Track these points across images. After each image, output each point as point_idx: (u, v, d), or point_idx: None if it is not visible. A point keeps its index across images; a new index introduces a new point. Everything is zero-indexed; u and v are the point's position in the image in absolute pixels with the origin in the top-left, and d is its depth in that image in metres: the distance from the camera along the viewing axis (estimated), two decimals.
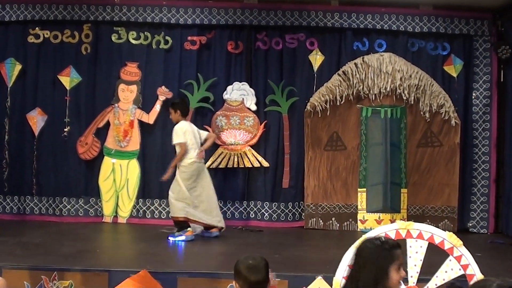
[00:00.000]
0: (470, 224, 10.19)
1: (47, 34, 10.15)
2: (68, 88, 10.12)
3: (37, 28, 10.16)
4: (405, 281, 5.49)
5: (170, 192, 8.58)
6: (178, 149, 8.56)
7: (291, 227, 10.07)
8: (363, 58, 9.98)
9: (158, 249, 7.82)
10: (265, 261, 3.61)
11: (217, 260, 7.10)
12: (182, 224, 8.45)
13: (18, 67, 10.09)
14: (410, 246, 5.51)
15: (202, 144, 8.81)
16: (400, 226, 5.71)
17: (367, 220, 9.90)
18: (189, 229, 8.43)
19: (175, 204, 8.48)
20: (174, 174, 8.64)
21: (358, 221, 9.94)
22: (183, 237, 8.34)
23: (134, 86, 10.19)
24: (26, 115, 10.08)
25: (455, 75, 10.31)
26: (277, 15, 10.19)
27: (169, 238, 8.39)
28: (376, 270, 3.22)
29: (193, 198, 8.50)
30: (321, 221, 9.97)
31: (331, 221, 9.95)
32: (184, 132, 8.49)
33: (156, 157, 10.13)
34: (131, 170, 10.13)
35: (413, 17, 10.26)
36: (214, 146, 9.95)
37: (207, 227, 8.68)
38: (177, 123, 8.65)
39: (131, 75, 10.19)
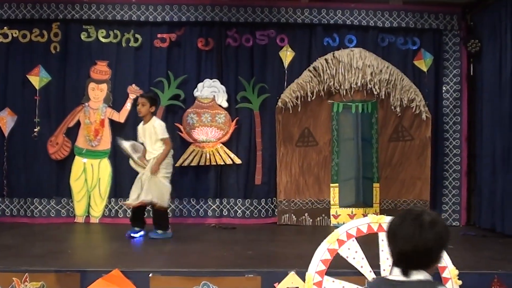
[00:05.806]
0: (443, 217, 10.26)
1: (15, 33, 10.03)
2: (37, 87, 10.00)
3: (5, 27, 10.03)
4: (378, 274, 5.55)
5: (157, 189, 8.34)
6: (160, 145, 8.42)
7: (264, 224, 10.06)
8: (333, 54, 9.99)
9: (130, 248, 7.77)
10: None
11: (190, 258, 7.06)
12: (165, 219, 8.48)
13: None
14: (382, 240, 5.57)
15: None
16: (372, 220, 5.77)
17: (340, 215, 9.93)
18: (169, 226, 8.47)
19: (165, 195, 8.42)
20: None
21: (331, 216, 9.96)
22: (168, 234, 8.41)
23: (104, 84, 10.11)
24: None
25: (425, 69, 10.38)
26: (247, 12, 10.17)
27: (152, 236, 8.28)
28: None
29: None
30: (294, 217, 9.97)
31: (304, 217, 9.97)
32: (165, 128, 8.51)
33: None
34: (103, 170, 10.05)
35: (383, 12, 10.31)
36: (185, 144, 9.95)
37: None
38: (143, 116, 8.54)
39: (101, 74, 10.11)
